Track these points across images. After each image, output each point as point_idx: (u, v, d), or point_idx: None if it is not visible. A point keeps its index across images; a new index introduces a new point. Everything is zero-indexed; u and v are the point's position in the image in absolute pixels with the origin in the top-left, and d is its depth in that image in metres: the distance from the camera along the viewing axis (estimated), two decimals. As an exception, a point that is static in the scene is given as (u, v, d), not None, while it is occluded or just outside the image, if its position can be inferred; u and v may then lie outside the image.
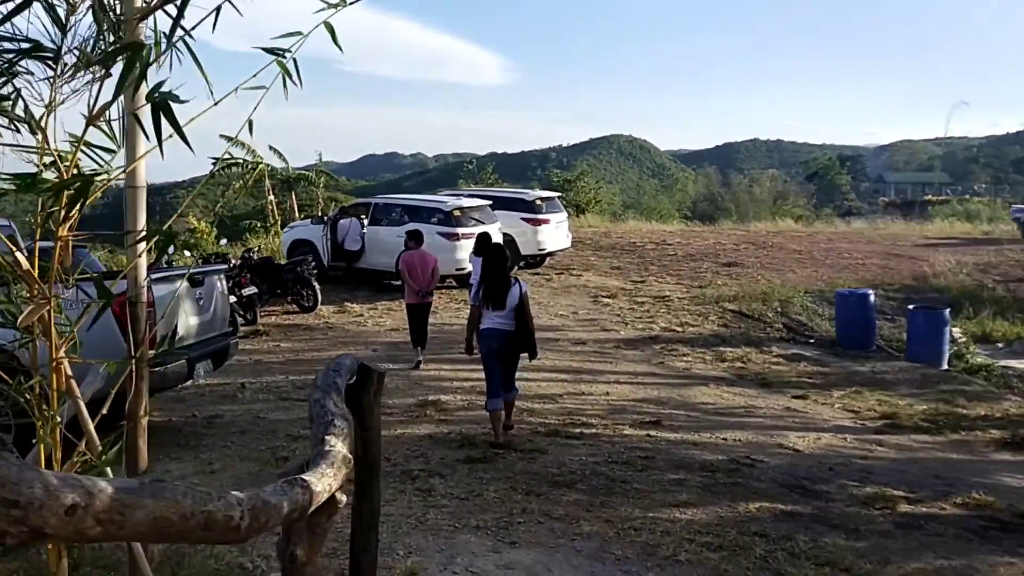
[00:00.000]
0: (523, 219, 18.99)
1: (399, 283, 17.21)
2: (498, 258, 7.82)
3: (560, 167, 77.14)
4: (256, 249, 16.21)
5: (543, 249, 19.33)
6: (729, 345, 14.09)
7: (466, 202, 17.48)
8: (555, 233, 19.69)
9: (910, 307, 14.66)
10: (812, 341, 15.05)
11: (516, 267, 19.13)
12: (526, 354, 7.85)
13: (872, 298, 14.87)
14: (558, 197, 21.28)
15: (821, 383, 12.40)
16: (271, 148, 28.60)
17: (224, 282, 8.75)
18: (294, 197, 28.38)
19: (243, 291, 13.87)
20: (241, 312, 13.36)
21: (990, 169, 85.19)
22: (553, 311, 16.01)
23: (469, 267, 16.70)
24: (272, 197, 27.53)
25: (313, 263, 15.93)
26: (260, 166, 27.44)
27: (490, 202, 18.01)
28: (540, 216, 19.24)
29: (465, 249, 16.71)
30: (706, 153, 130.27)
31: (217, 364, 8.23)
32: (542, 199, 19.78)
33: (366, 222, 17.48)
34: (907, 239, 26.24)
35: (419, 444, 7.72)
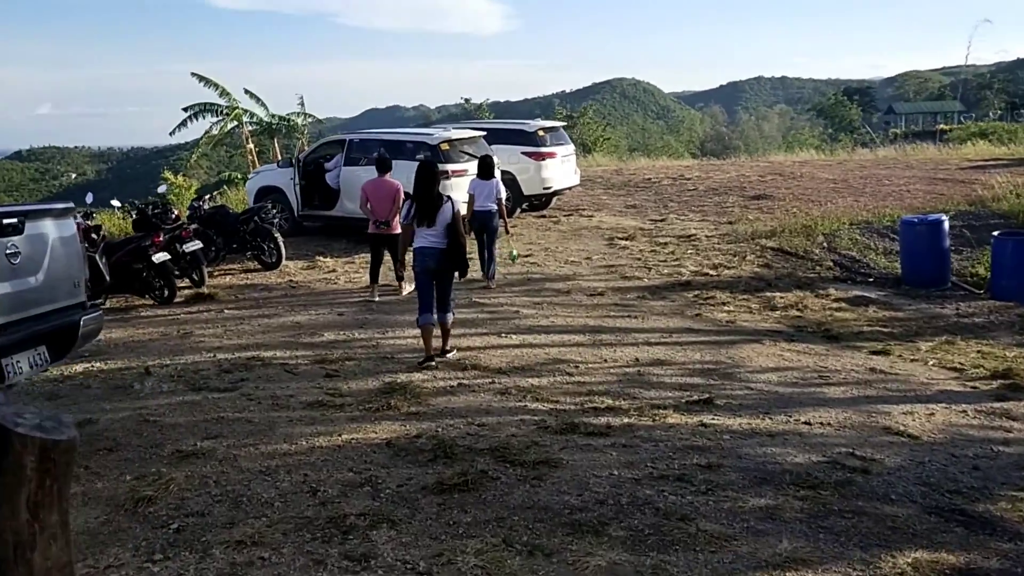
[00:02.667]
0: (524, 153, 16.14)
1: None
2: (428, 174, 7.62)
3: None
4: (208, 197, 13.48)
5: (548, 187, 16.51)
6: (776, 289, 11.37)
7: (456, 134, 14.64)
8: (561, 169, 16.84)
9: (995, 234, 11.86)
10: (872, 280, 12.33)
11: (519, 210, 16.37)
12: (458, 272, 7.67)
13: (946, 225, 12.10)
14: (563, 128, 18.35)
15: (900, 332, 9.70)
16: (247, 92, 25.67)
17: (77, 230, 6.06)
18: (276, 145, 25.50)
19: (184, 246, 11.19)
20: (177, 272, 10.67)
21: (1004, 96, 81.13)
22: (563, 257, 13.29)
23: (463, 208, 13.99)
24: (250, 145, 24.68)
25: (275, 211, 13.21)
26: (236, 111, 24.54)
27: (484, 133, 15.16)
28: (544, 149, 16.37)
29: (456, 188, 13.90)
30: (711, 93, 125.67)
31: (60, 351, 5.57)
32: (545, 130, 16.89)
33: (340, 162, 14.70)
34: (947, 163, 23.25)
35: (369, 461, 5.08)
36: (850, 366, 8.08)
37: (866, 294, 11.36)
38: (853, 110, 69.06)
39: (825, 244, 14.00)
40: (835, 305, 10.69)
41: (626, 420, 6.02)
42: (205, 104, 24.74)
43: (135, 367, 7.45)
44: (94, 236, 10.68)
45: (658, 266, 12.70)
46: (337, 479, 4.76)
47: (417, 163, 8.50)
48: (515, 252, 12.35)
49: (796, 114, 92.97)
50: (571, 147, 17.65)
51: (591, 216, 17.01)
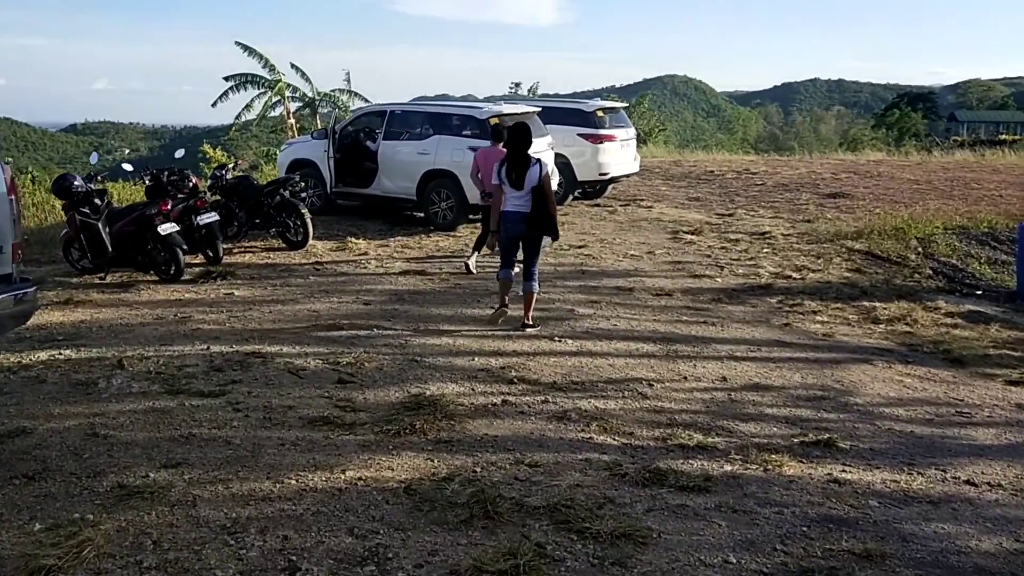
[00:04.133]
0: (581, 135, 14.52)
1: (421, 215, 13.09)
2: (521, 135, 7.30)
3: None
4: (232, 166, 12.06)
5: (605, 173, 14.86)
6: (874, 299, 9.64)
7: (507, 108, 13.05)
8: (621, 154, 15.17)
9: None
10: (980, 292, 10.53)
11: (570, 197, 14.79)
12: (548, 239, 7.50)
13: (1076, 234, 10.26)
14: (624, 109, 16.64)
15: (1034, 358, 7.95)
16: (293, 66, 24.31)
17: (5, 182, 4.61)
18: (318, 121, 24.16)
19: (198, 218, 9.78)
20: (187, 247, 9.21)
21: (1069, 107, 77.42)
22: (621, 250, 11.67)
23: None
24: (292, 120, 23.36)
25: (303, 184, 11.74)
26: (279, 83, 23.22)
27: (538, 110, 13.56)
28: (602, 132, 14.71)
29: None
30: (763, 93, 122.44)
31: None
32: (605, 110, 15.22)
33: (379, 137, 13.21)
34: (1036, 169, 21.16)
35: (379, 518, 3.57)
36: (989, 399, 6.39)
37: (981, 309, 9.58)
38: (917, 116, 66.22)
39: (920, 249, 12.20)
40: (949, 321, 8.93)
41: (728, 467, 4.44)
42: (247, 75, 23.48)
43: (110, 357, 6.01)
44: (97, 201, 9.32)
45: (731, 265, 11.03)
46: (329, 549, 3.25)
47: (514, 124, 7.56)
48: None
49: (854, 117, 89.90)
50: (632, 131, 15.96)
51: (650, 207, 15.35)
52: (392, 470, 4.11)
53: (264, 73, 23.46)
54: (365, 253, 10.99)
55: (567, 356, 6.68)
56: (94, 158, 10.08)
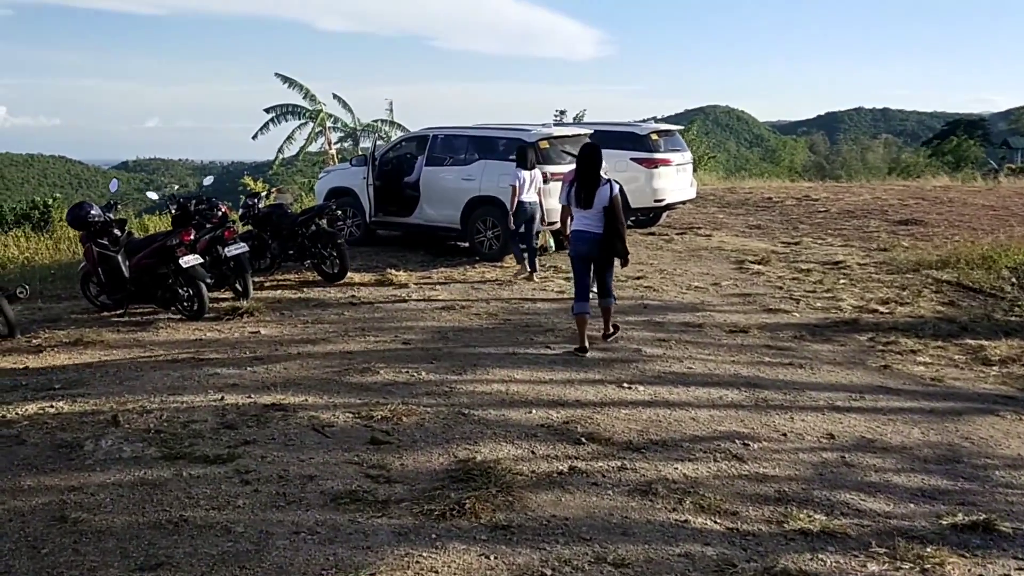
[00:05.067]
0: (634, 160, 13.51)
1: (465, 245, 12.17)
2: (591, 155, 7.11)
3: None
4: (265, 194, 11.24)
5: (660, 200, 13.82)
6: (978, 335, 8.43)
7: (557, 131, 12.13)
8: (676, 179, 14.13)
9: None
10: (1093, 329, 9.25)
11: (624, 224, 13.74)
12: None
13: None
14: (679, 132, 15.61)
15: None
16: (335, 96, 23.74)
17: None
18: (360, 151, 23.52)
19: (226, 249, 8.95)
20: (208, 281, 8.28)
21: None
22: (684, 282, 10.61)
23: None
24: (333, 151, 22.73)
25: (340, 213, 10.87)
26: (321, 114, 22.62)
27: (590, 131, 12.62)
28: (657, 156, 13.70)
29: (556, 194, 11.45)
30: (807, 123, 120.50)
31: None
32: (660, 133, 14.21)
33: (421, 163, 12.35)
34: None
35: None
36: None
37: (1103, 348, 8.33)
38: (974, 143, 64.20)
39: (1014, 280, 10.94)
40: (1071, 362, 7.72)
41: (874, 567, 3.36)
42: (288, 106, 22.94)
43: (106, 411, 5.11)
44: (117, 232, 8.55)
45: (807, 298, 9.89)
46: None
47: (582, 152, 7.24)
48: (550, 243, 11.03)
49: (901, 145, 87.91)
50: (688, 155, 14.92)
51: (709, 235, 14.26)
52: (436, 573, 3.11)
53: (305, 104, 22.91)
54: (405, 286, 10.06)
55: (640, 407, 5.63)
56: (114, 186, 9.30)
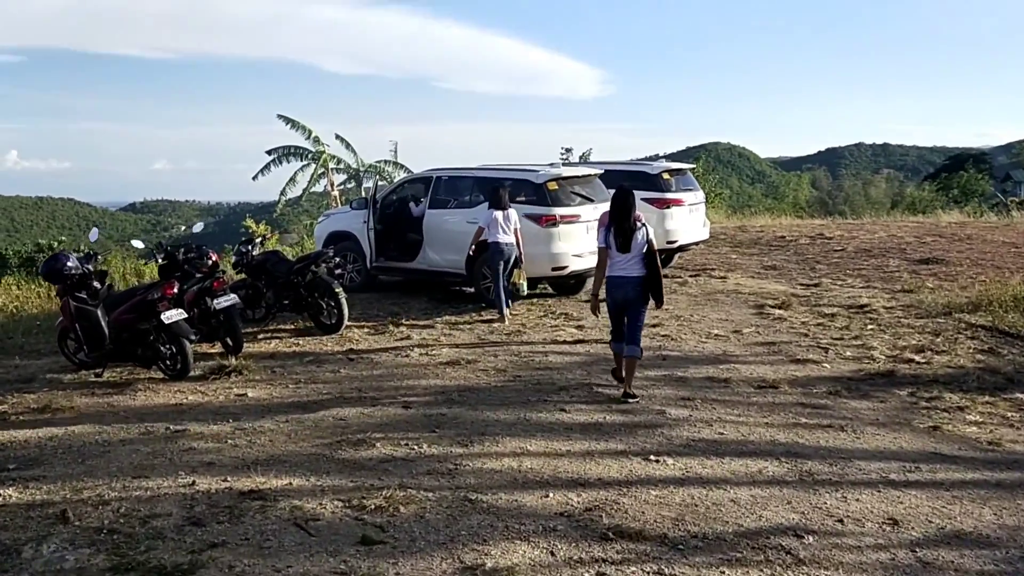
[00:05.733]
0: (646, 200, 12.83)
1: (471, 291, 11.50)
2: (624, 200, 7.04)
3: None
4: (258, 241, 10.59)
5: (673, 241, 13.19)
6: (1028, 389, 7.71)
7: (566, 171, 11.51)
8: (689, 220, 13.52)
9: None
10: None
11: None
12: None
13: None
14: (691, 171, 14.99)
15: None
16: (338, 137, 23.24)
17: None
18: (364, 194, 22.96)
19: (215, 301, 8.27)
20: (192, 338, 7.54)
21: None
22: (702, 329, 9.90)
23: (575, 263, 10.79)
24: (336, 193, 22.18)
25: (338, 260, 10.20)
26: (324, 155, 22.10)
27: (600, 172, 12.00)
28: (669, 195, 13.10)
29: (567, 238, 10.78)
30: (808, 159, 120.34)
31: None
32: (671, 172, 13.61)
33: (423, 205, 11.71)
34: None
35: None
36: None
37: None
38: (982, 177, 63.69)
39: (1053, 323, 10.21)
40: None
41: None
42: (290, 148, 22.43)
43: (58, 502, 4.39)
44: (96, 285, 7.87)
45: (835, 346, 9.16)
46: None
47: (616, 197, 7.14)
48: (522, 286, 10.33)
49: (903, 180, 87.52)
50: (700, 194, 14.32)
51: (724, 277, 13.56)
52: None
53: (308, 145, 22.40)
54: (407, 338, 9.37)
55: (672, 485, 4.90)
56: (93, 235, 8.60)
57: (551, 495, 4.64)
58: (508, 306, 10.23)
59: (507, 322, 10.00)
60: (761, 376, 7.83)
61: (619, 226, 6.99)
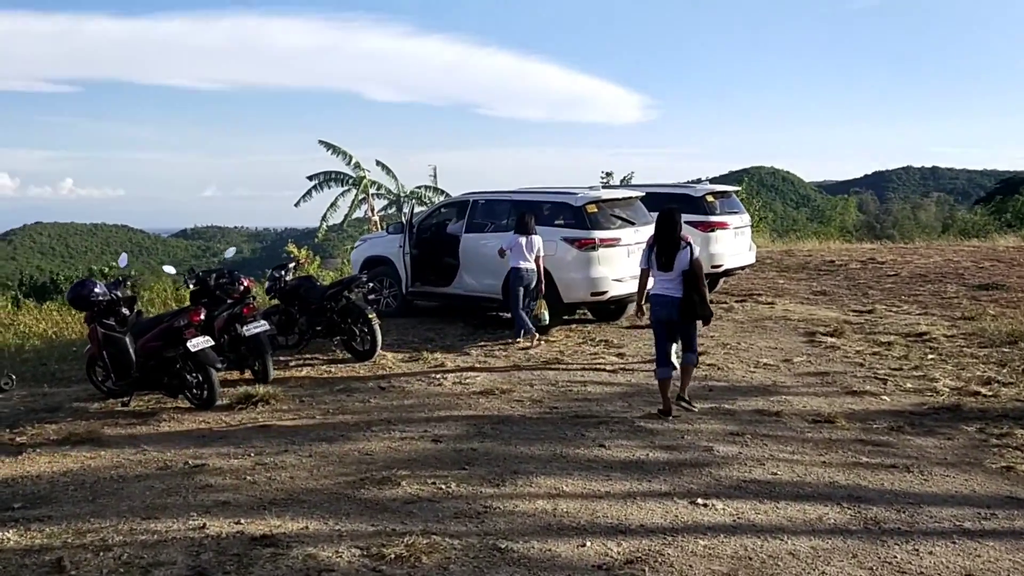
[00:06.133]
0: (689, 223, 12.36)
1: (508, 316, 11.13)
2: (668, 221, 7.10)
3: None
4: (292, 266, 10.35)
5: (719, 266, 12.69)
6: (1112, 426, 7.07)
7: (606, 194, 11.12)
8: (735, 244, 13.02)
9: None
10: None
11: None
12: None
13: None
14: (735, 193, 14.48)
15: None
16: (378, 163, 23.17)
17: None
18: (402, 218, 22.82)
19: (244, 328, 8.01)
20: (219, 366, 7.26)
21: None
22: (751, 358, 9.39)
23: (616, 288, 10.37)
24: (376, 219, 22.05)
25: (372, 285, 9.91)
26: (364, 181, 22.01)
27: (641, 195, 11.59)
28: (713, 219, 12.62)
29: (606, 262, 10.37)
30: (854, 183, 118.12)
31: None
32: (715, 195, 13.14)
33: (461, 230, 11.40)
34: None
35: None
36: None
37: None
38: (1025, 200, 61.56)
39: None
40: None
41: None
42: (331, 173, 22.38)
43: (57, 547, 4.09)
44: (125, 311, 7.67)
45: (894, 377, 8.59)
46: None
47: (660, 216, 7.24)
48: (543, 315, 10.01)
49: (953, 203, 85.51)
50: (746, 217, 13.81)
51: (772, 303, 13.01)
52: None
53: (348, 170, 22.34)
54: (442, 365, 9.01)
55: (722, 535, 4.43)
56: (123, 261, 8.41)
57: (588, 544, 4.21)
58: (531, 331, 9.94)
59: (534, 341, 9.83)
60: (815, 409, 7.32)
61: (663, 244, 7.01)
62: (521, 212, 10.21)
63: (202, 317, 7.37)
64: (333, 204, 22.98)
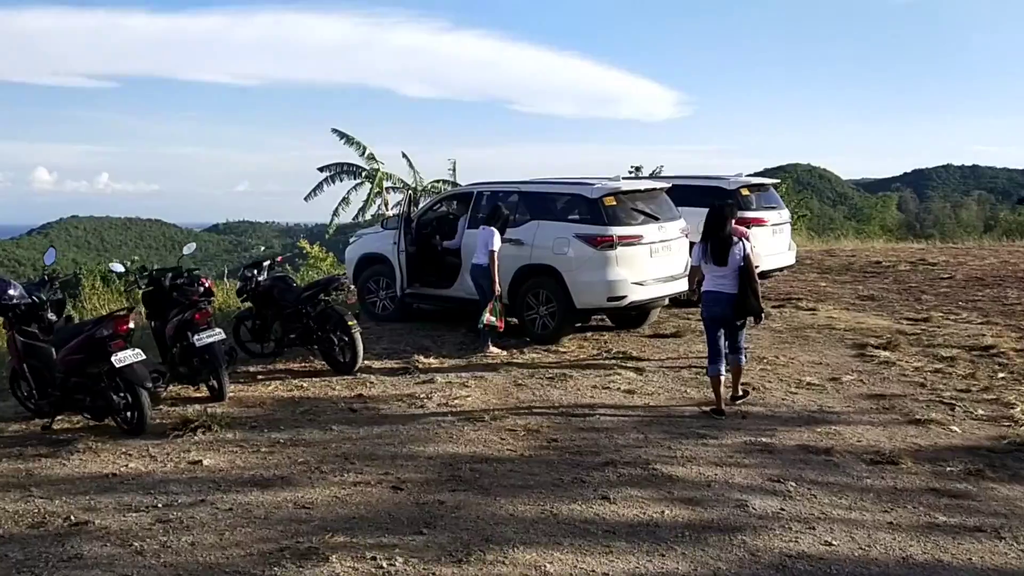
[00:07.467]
0: (721, 219, 10.99)
1: (514, 322, 9.82)
2: (719, 217, 6.92)
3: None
4: (267, 264, 9.07)
5: (755, 267, 11.23)
6: None
7: (626, 185, 9.71)
8: (772, 242, 11.53)
9: None
10: None
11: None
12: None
13: None
14: (774, 187, 12.99)
15: None
16: (404, 156, 21.95)
17: None
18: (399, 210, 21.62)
19: (196, 337, 6.80)
20: (148, 386, 5.96)
21: None
22: (792, 376, 8.00)
23: (637, 293, 9.03)
24: (389, 212, 20.84)
25: (351, 287, 8.66)
26: (379, 174, 20.82)
27: (666, 186, 10.18)
28: (749, 214, 11.14)
29: (626, 263, 9.00)
30: (892, 180, 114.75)
31: None
32: (751, 188, 11.68)
33: (464, 223, 10.10)
34: None
35: None
36: None
37: None
38: (1070, 199, 59.30)
39: None
40: None
41: None
42: (342, 165, 21.21)
43: None
44: (52, 317, 6.49)
45: (962, 401, 7.15)
46: None
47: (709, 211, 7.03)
48: (484, 318, 8.67)
49: (995, 202, 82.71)
50: (786, 213, 12.35)
51: (814, 309, 11.54)
52: None
53: (362, 162, 21.15)
54: (431, 380, 7.72)
55: (759, 654, 3.11)
56: (49, 256, 7.18)
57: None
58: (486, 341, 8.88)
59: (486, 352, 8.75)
60: (873, 445, 5.95)
61: (715, 238, 6.83)
62: (495, 204, 9.29)
63: (131, 326, 6.13)
64: (345, 199, 21.78)
